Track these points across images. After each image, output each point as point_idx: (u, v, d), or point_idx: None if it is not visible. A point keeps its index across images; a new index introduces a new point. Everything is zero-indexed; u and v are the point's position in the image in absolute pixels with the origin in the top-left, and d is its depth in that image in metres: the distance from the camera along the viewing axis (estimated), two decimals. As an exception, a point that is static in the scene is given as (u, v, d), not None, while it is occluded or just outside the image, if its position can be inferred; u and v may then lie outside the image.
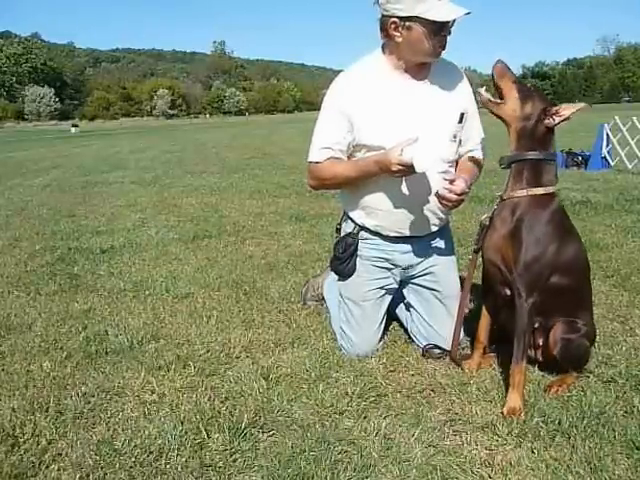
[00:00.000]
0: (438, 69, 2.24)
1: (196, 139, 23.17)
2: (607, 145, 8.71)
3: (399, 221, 2.28)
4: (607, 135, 8.68)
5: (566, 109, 1.96)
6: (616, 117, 8.64)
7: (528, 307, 1.97)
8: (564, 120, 1.98)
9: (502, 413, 1.89)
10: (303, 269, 3.66)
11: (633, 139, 8.41)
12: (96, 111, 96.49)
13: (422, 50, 2.10)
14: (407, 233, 2.31)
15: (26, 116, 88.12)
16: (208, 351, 2.45)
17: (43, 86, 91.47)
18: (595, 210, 5.32)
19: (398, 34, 2.09)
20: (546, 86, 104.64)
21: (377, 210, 2.28)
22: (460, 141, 2.28)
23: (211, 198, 6.87)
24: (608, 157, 8.71)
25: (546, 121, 1.97)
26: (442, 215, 2.34)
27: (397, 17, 2.05)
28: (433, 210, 2.29)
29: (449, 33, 2.10)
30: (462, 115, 2.22)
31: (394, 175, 2.08)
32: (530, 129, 1.98)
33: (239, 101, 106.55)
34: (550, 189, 2.01)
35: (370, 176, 2.18)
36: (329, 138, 2.24)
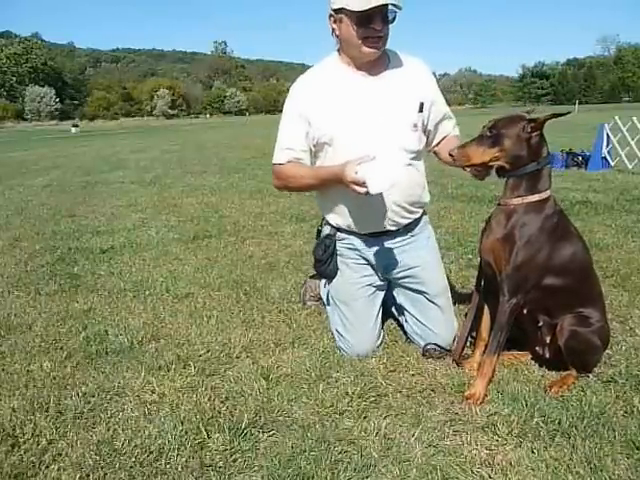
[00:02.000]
0: (395, 63, 2.27)
1: (196, 139, 23.18)
2: (607, 145, 8.70)
3: (368, 217, 2.30)
4: (607, 135, 8.68)
5: (542, 121, 1.93)
6: (616, 117, 8.64)
7: (509, 307, 2.02)
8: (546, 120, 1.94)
9: (462, 396, 2.00)
10: (303, 269, 3.65)
11: (633, 139, 8.40)
12: (96, 111, 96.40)
13: (353, 42, 2.12)
14: (378, 229, 2.33)
15: (26, 116, 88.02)
16: (208, 351, 2.45)
17: (43, 86, 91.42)
18: (595, 210, 5.32)
19: (336, 27, 2.16)
20: (546, 86, 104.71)
21: (346, 208, 2.31)
22: (426, 130, 2.33)
23: (211, 198, 6.87)
24: (608, 157, 8.71)
25: (534, 135, 1.94)
26: (412, 208, 2.35)
27: (332, 10, 2.12)
28: (400, 204, 2.29)
29: (384, 26, 2.09)
30: (421, 105, 2.25)
31: (350, 191, 2.03)
32: (524, 153, 1.95)
33: (239, 101, 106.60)
34: (545, 195, 2.01)
35: (329, 185, 2.21)
36: (289, 140, 2.29)
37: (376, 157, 1.95)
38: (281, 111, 2.35)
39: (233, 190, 7.50)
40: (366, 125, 2.17)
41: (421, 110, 2.25)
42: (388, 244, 2.37)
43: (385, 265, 2.39)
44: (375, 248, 2.37)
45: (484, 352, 2.15)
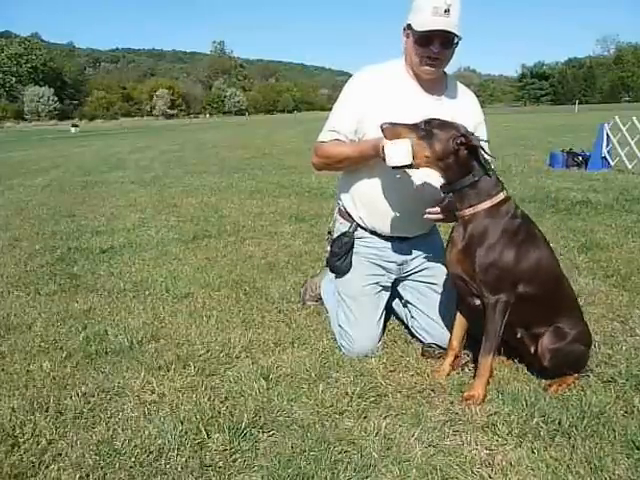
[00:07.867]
0: (452, 89, 2.38)
1: (196, 139, 23.15)
2: (607, 145, 8.71)
3: (397, 222, 2.38)
4: (607, 135, 8.68)
5: (474, 141, 1.92)
6: (616, 117, 8.64)
7: (496, 305, 1.98)
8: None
9: (462, 397, 1.99)
10: (303, 269, 3.66)
11: (633, 139, 8.40)
12: (96, 111, 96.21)
13: (413, 58, 2.26)
14: (401, 234, 2.43)
15: (26, 116, 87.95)
16: (208, 351, 2.45)
17: (43, 86, 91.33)
18: (595, 210, 5.33)
19: (405, 40, 2.31)
20: (546, 86, 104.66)
21: (378, 210, 2.37)
22: None
23: (211, 198, 6.87)
24: (608, 157, 8.71)
25: (462, 149, 1.93)
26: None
27: (406, 24, 2.27)
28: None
29: (442, 49, 2.17)
30: None
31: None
32: (453, 162, 1.94)
33: (239, 101, 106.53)
34: (497, 199, 1.99)
35: (366, 159, 2.24)
36: (339, 123, 2.36)
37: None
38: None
39: (233, 190, 7.50)
40: None
41: None
42: (405, 244, 2.46)
43: (402, 262, 2.48)
44: (394, 248, 2.45)
45: (454, 361, 2.20)
